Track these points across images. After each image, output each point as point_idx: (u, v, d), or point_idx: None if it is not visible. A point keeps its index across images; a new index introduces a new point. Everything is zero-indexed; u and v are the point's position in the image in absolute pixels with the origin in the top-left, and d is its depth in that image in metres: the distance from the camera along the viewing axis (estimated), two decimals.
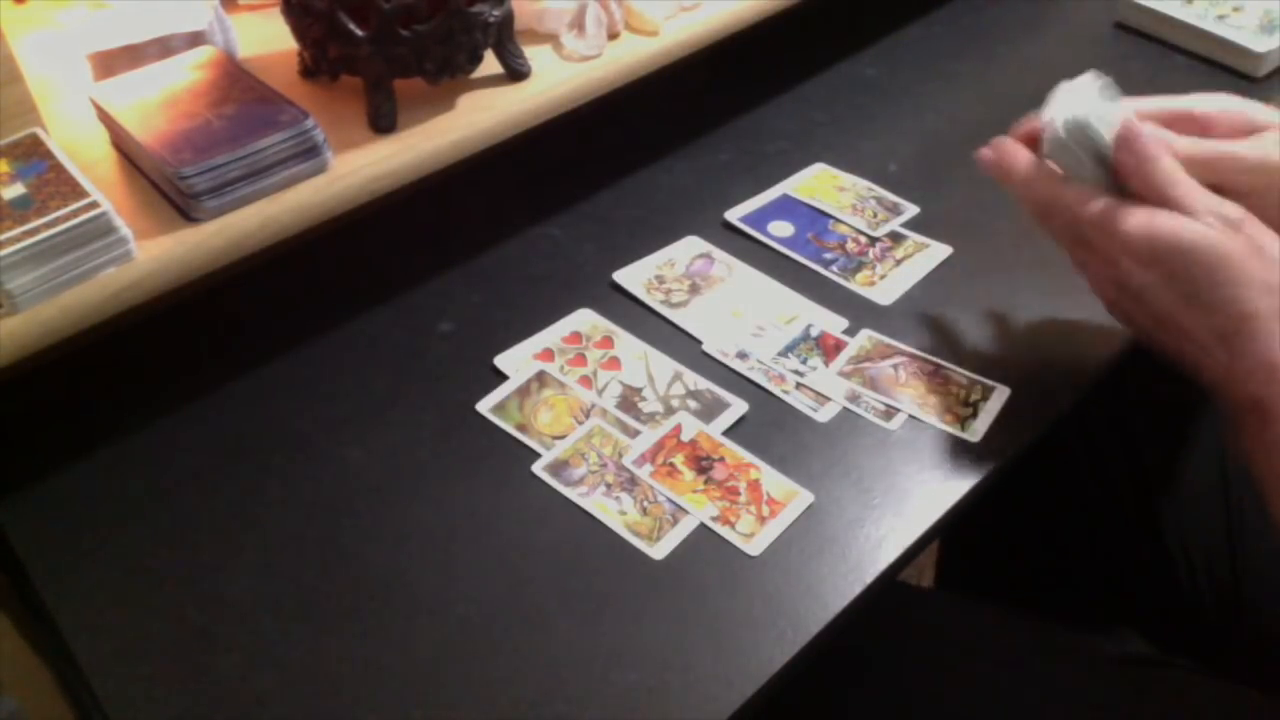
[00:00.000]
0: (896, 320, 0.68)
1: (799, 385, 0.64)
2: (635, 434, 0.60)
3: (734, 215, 0.76)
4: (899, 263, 0.72)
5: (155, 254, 0.56)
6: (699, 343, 0.66)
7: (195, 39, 0.67)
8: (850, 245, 0.74)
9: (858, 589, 0.53)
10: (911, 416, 0.62)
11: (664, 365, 0.65)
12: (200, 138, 0.58)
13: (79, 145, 0.62)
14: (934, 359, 0.65)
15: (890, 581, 0.55)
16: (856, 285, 0.70)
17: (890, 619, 0.65)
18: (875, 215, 0.76)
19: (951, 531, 0.58)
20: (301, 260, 0.68)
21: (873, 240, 0.74)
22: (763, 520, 0.56)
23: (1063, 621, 0.69)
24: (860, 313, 0.68)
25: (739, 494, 0.57)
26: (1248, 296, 0.49)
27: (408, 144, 0.63)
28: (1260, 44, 0.87)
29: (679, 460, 0.59)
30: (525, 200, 0.78)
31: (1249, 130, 0.56)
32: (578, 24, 0.70)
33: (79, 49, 0.66)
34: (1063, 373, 0.64)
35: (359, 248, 0.74)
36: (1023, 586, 0.84)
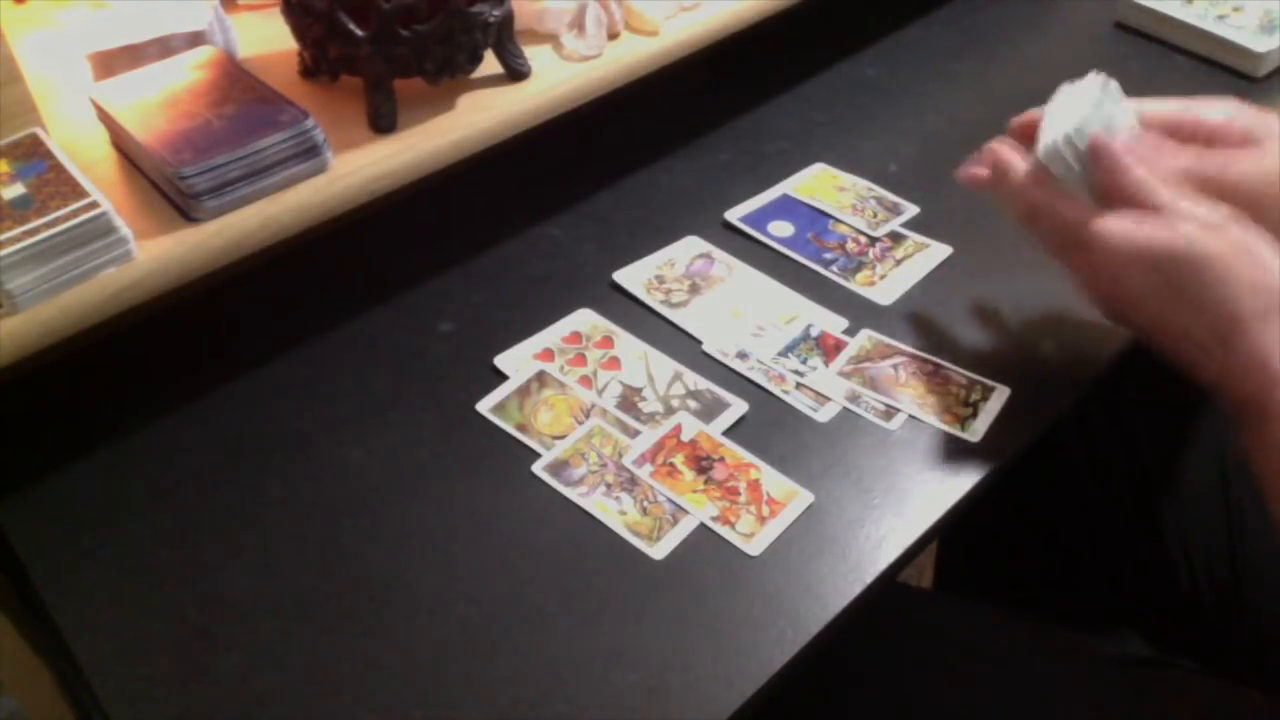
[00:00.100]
0: (896, 320, 0.68)
1: (799, 385, 0.64)
2: (635, 434, 0.60)
3: (734, 215, 0.76)
4: (899, 263, 0.72)
5: (155, 254, 0.56)
6: (699, 343, 0.66)
7: (195, 39, 0.67)
8: (850, 245, 0.74)
9: (858, 589, 0.53)
10: (911, 416, 0.62)
11: (664, 365, 0.65)
12: (200, 138, 0.58)
13: (79, 145, 0.62)
14: (934, 359, 0.65)
15: (890, 581, 0.55)
16: (856, 285, 0.70)
17: (890, 619, 0.65)
18: (875, 215, 0.76)
19: (951, 531, 0.58)
20: (301, 260, 0.68)
21: (873, 240, 0.74)
22: (763, 520, 0.56)
23: (1063, 621, 0.69)
24: (860, 313, 0.68)
25: (739, 494, 0.57)
26: (1236, 297, 0.49)
27: (408, 144, 0.63)
28: (1260, 44, 0.87)
29: (679, 460, 0.59)
30: (525, 200, 0.78)
31: (1255, 141, 0.56)
32: (578, 24, 0.70)
33: (79, 49, 0.66)
34: (1063, 373, 0.64)
35: (359, 248, 0.74)
36: (1022, 587, 0.84)
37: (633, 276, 0.71)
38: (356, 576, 0.55)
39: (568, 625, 0.52)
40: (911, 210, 0.76)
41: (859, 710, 0.63)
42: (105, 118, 0.62)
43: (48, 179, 0.56)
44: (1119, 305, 0.55)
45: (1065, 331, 0.67)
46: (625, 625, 0.52)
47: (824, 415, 0.62)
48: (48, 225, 0.53)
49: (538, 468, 0.59)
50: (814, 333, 0.67)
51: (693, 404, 0.62)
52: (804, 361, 0.65)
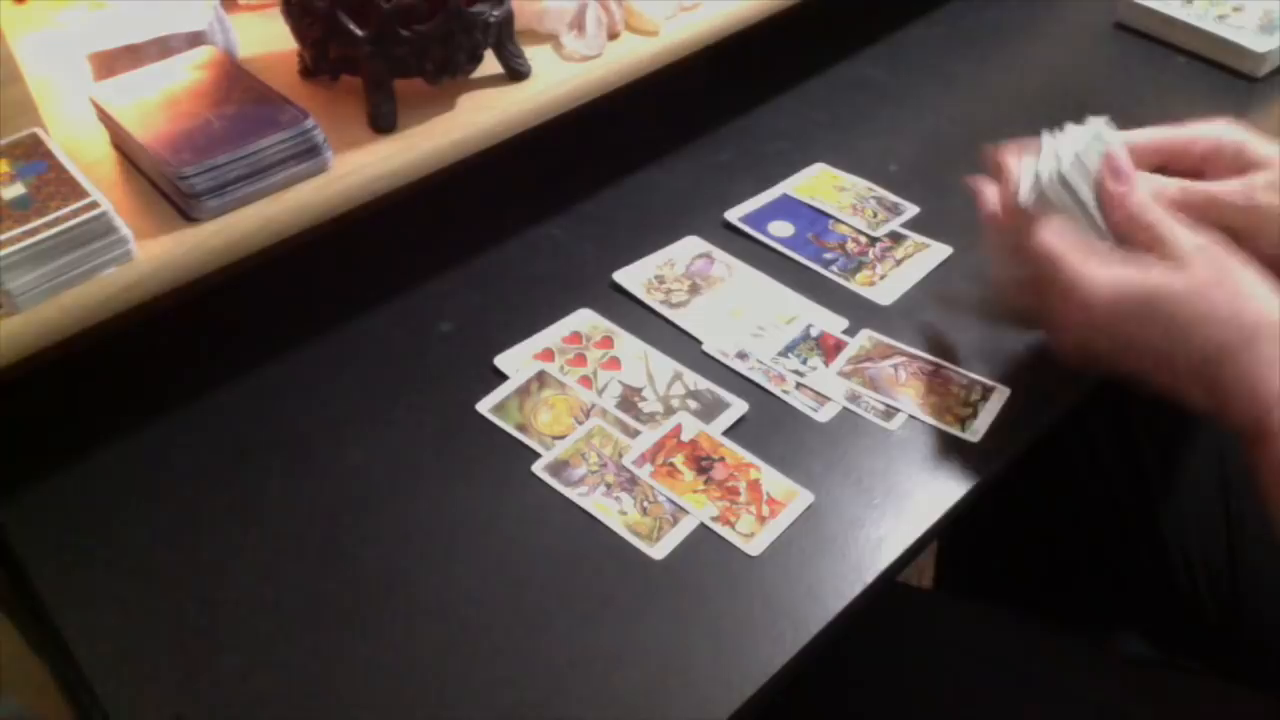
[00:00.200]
0: (896, 320, 0.68)
1: (799, 385, 0.64)
2: (635, 434, 0.60)
3: (734, 215, 0.76)
4: (899, 263, 0.72)
5: (155, 254, 0.56)
6: (699, 343, 0.66)
7: (195, 39, 0.67)
8: (850, 245, 0.74)
9: (857, 589, 0.53)
10: (911, 416, 0.62)
11: (664, 365, 0.65)
12: (200, 138, 0.58)
13: (79, 145, 0.62)
14: (934, 359, 0.65)
15: (890, 581, 0.55)
16: (856, 285, 0.70)
17: (890, 619, 0.65)
18: (875, 215, 0.76)
19: (951, 532, 0.58)
20: (301, 260, 0.68)
21: (873, 240, 0.74)
22: (763, 520, 0.56)
23: (1063, 622, 0.69)
24: (860, 313, 0.68)
25: (739, 494, 0.57)
26: (1218, 330, 0.50)
27: (408, 144, 0.63)
28: (1260, 44, 0.87)
29: (679, 460, 0.59)
30: (525, 200, 0.78)
31: (1244, 166, 0.56)
32: (578, 24, 0.70)
33: (79, 49, 0.66)
34: (1063, 373, 0.64)
35: (359, 248, 0.74)
36: (1022, 587, 0.84)
37: (633, 276, 0.71)
38: (356, 577, 0.55)
39: (568, 625, 0.52)
40: (911, 210, 0.76)
41: (859, 710, 0.63)
42: (105, 118, 0.62)
43: (48, 179, 0.56)
44: (1103, 353, 0.55)
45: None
46: (625, 625, 0.52)
47: (824, 415, 0.62)
48: (48, 225, 0.53)
49: (538, 468, 0.59)
50: (814, 333, 0.67)
51: (693, 404, 0.62)
52: (804, 361, 0.65)
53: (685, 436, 0.60)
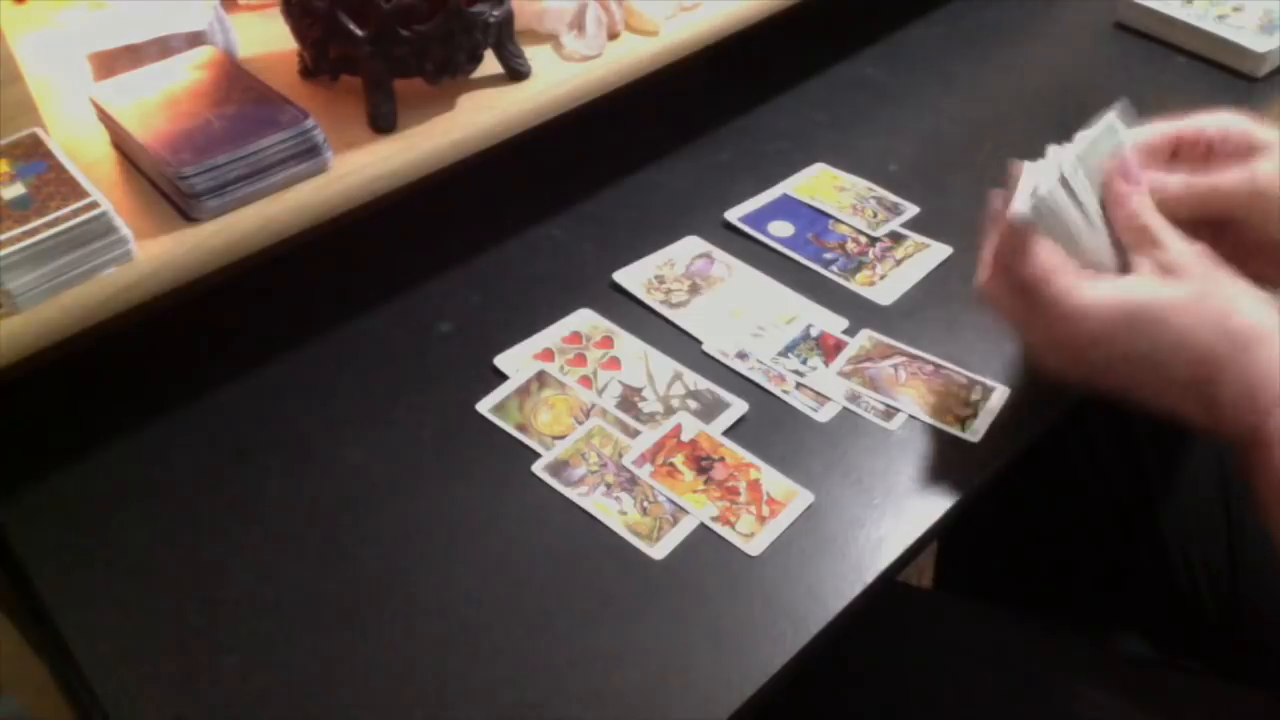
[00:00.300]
0: (896, 320, 0.68)
1: (799, 385, 0.64)
2: (635, 434, 0.60)
3: (734, 215, 0.76)
4: (899, 263, 0.72)
5: (155, 254, 0.56)
6: (699, 343, 0.66)
7: (195, 39, 0.67)
8: (850, 245, 0.74)
9: (858, 589, 0.53)
10: (911, 416, 0.62)
11: (664, 365, 0.65)
12: (200, 138, 0.58)
13: (79, 145, 0.62)
14: (934, 359, 0.65)
15: (890, 582, 0.55)
16: (856, 285, 0.70)
17: (890, 619, 0.65)
18: (875, 215, 0.76)
19: (951, 532, 0.58)
20: (301, 260, 0.68)
21: (873, 240, 0.74)
22: (763, 520, 0.56)
23: (1063, 622, 0.69)
24: (860, 313, 0.68)
25: (739, 494, 0.57)
26: (1209, 341, 0.50)
27: (408, 144, 0.63)
28: (1260, 44, 0.87)
29: (679, 460, 0.59)
30: (525, 200, 0.78)
31: (1250, 152, 0.56)
32: (578, 24, 0.70)
33: (79, 49, 0.66)
34: None
35: (359, 248, 0.74)
36: (1022, 587, 0.84)
37: (633, 276, 0.71)
38: (356, 576, 0.55)
39: (568, 625, 0.52)
40: (911, 210, 0.76)
41: (859, 710, 0.63)
42: (105, 118, 0.62)
43: (48, 179, 0.56)
44: (1099, 370, 0.54)
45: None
46: (625, 625, 0.52)
47: (824, 415, 0.62)
48: (48, 225, 0.53)
49: (538, 468, 0.59)
50: (814, 333, 0.67)
51: (693, 404, 0.62)
52: (804, 361, 0.65)
53: (685, 436, 0.60)
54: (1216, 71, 0.89)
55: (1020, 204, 0.54)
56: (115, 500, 0.58)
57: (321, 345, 0.68)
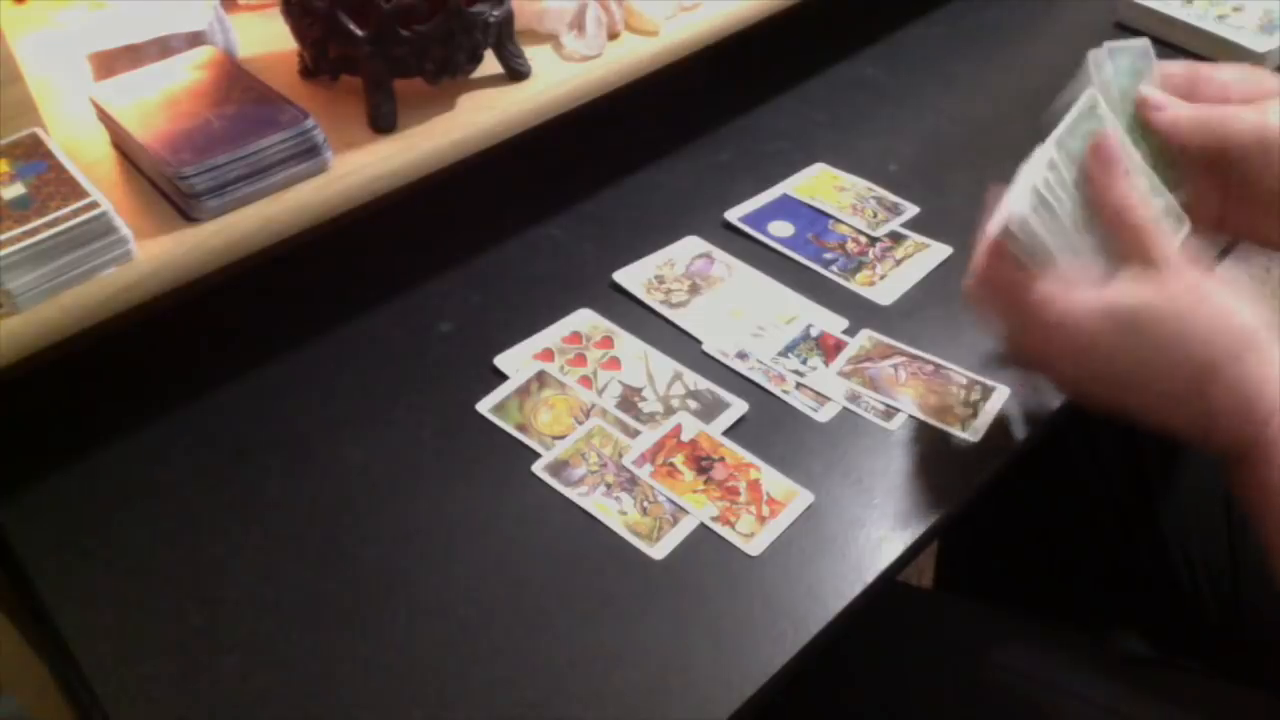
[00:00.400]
0: (896, 320, 0.68)
1: (799, 385, 0.64)
2: (635, 434, 0.60)
3: (734, 215, 0.76)
4: (899, 263, 0.72)
5: (155, 254, 0.56)
6: (699, 343, 0.66)
7: (195, 39, 0.67)
8: (850, 245, 0.74)
9: (858, 589, 0.53)
10: (911, 416, 0.62)
11: (664, 365, 0.65)
12: (200, 138, 0.58)
13: (79, 145, 0.62)
14: (934, 359, 0.65)
15: (890, 581, 0.55)
16: (856, 285, 0.70)
17: (890, 619, 0.65)
18: (875, 215, 0.76)
19: (951, 531, 0.58)
20: (301, 260, 0.68)
21: (873, 240, 0.74)
22: (763, 520, 0.56)
23: (1063, 621, 0.69)
24: (860, 313, 0.68)
25: (739, 494, 0.57)
26: (1204, 343, 0.49)
27: (408, 144, 0.63)
28: (1260, 44, 0.87)
29: (679, 460, 0.59)
30: (525, 200, 0.78)
31: (1263, 95, 0.56)
32: (578, 24, 0.70)
33: (79, 49, 0.66)
34: None
35: (359, 248, 0.74)
36: (1022, 586, 0.84)
37: (633, 276, 0.71)
38: (356, 576, 0.55)
39: (568, 625, 0.52)
40: (911, 210, 0.76)
41: (859, 710, 0.63)
42: (105, 118, 0.62)
43: (48, 179, 0.56)
44: (1088, 379, 0.54)
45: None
46: (625, 625, 0.52)
47: (824, 415, 0.62)
48: (48, 225, 0.53)
49: (538, 468, 0.59)
50: (814, 333, 0.67)
51: (693, 404, 0.62)
52: (804, 361, 0.65)
53: (685, 436, 0.60)
54: None
55: (1000, 219, 0.54)
56: (115, 500, 0.58)
57: (321, 345, 0.68)
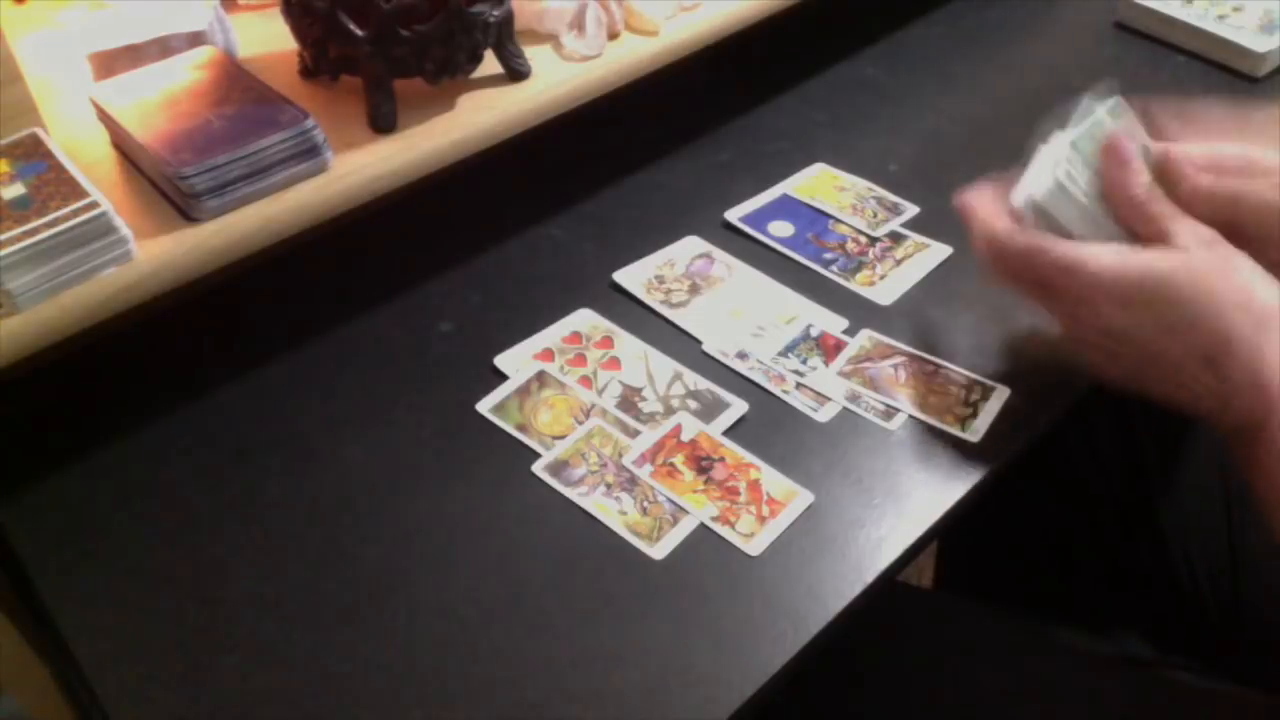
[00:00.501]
0: (896, 320, 0.68)
1: (799, 385, 0.64)
2: (635, 434, 0.60)
3: (734, 215, 0.76)
4: (899, 263, 0.72)
5: (155, 254, 0.56)
6: (699, 343, 0.66)
7: (195, 39, 0.67)
8: (850, 245, 0.74)
9: (858, 589, 0.53)
10: (911, 416, 0.62)
11: (664, 365, 0.65)
12: (200, 138, 0.58)
13: (79, 145, 0.62)
14: (934, 359, 0.65)
15: (890, 581, 0.55)
16: (856, 285, 0.70)
17: (890, 619, 0.65)
18: (875, 215, 0.76)
19: (951, 531, 0.58)
20: (301, 260, 0.68)
21: (873, 240, 0.74)
22: (763, 520, 0.56)
23: (1063, 621, 0.69)
24: (860, 313, 0.68)
25: (739, 494, 0.57)
26: (1223, 316, 0.49)
27: (408, 144, 0.63)
28: (1260, 44, 0.87)
29: (679, 460, 0.59)
30: (525, 200, 0.78)
31: (1251, 173, 0.56)
32: (578, 24, 0.70)
33: (79, 49, 0.66)
34: (1063, 373, 0.64)
35: (359, 248, 0.74)
36: (1022, 586, 0.84)
37: (633, 276, 0.71)
38: (356, 576, 0.55)
39: (568, 625, 0.52)
40: (911, 210, 0.76)
41: (859, 710, 0.63)
42: (105, 118, 0.62)
43: (48, 179, 0.56)
44: (1111, 345, 0.55)
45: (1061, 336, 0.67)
46: (625, 625, 0.52)
47: (824, 415, 0.62)
48: (48, 225, 0.53)
49: (538, 468, 0.59)
50: (814, 333, 0.67)
51: (693, 404, 0.62)
52: (804, 361, 0.65)
53: (685, 436, 0.60)
54: (1216, 71, 0.89)
55: (1021, 194, 0.55)
56: (115, 500, 0.58)
57: (321, 345, 0.68)
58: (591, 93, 0.70)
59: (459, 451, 0.60)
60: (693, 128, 0.85)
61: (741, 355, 0.65)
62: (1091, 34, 0.95)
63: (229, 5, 0.72)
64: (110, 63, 0.65)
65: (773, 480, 0.58)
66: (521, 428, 0.61)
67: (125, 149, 0.62)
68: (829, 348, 0.66)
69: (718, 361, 0.65)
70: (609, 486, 0.58)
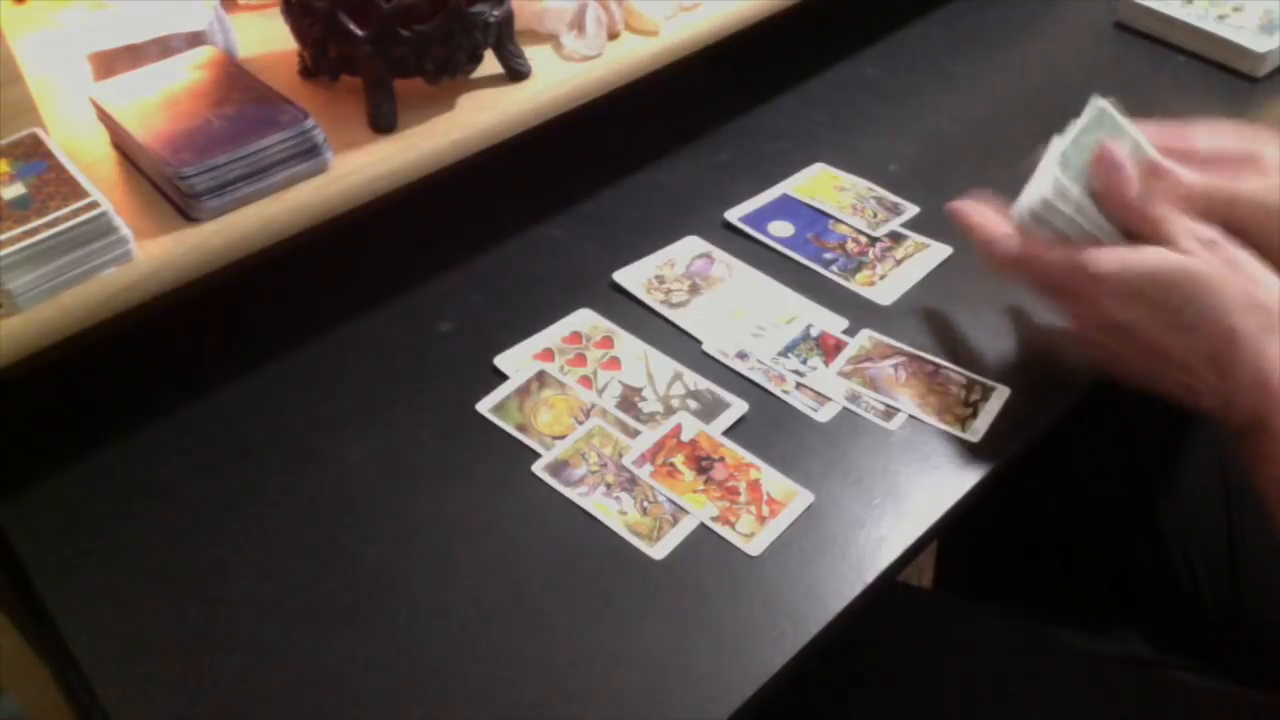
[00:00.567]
0: (896, 320, 0.68)
1: (799, 385, 0.64)
2: (635, 434, 0.60)
3: (734, 215, 0.76)
4: (899, 263, 0.72)
5: (155, 254, 0.56)
6: (699, 343, 0.66)
7: (195, 39, 0.67)
8: (850, 245, 0.74)
9: (858, 589, 0.53)
10: (911, 416, 0.62)
11: (664, 365, 0.65)
12: (200, 138, 0.58)
13: (79, 145, 0.62)
14: (934, 359, 0.65)
15: (890, 581, 0.55)
16: (856, 285, 0.70)
17: (890, 619, 0.65)
18: (875, 215, 0.76)
19: (951, 531, 0.58)
20: (301, 260, 0.68)
21: (873, 240, 0.74)
22: (763, 520, 0.56)
23: (1063, 621, 0.69)
24: (860, 313, 0.68)
25: (739, 494, 0.57)
26: (1230, 315, 0.50)
27: (408, 144, 0.63)
28: (1260, 44, 0.87)
29: (679, 460, 0.59)
30: (525, 200, 0.78)
31: (1250, 160, 0.56)
32: (578, 24, 0.70)
33: (79, 49, 0.66)
34: (1063, 373, 0.64)
35: (359, 248, 0.74)
36: (1022, 586, 0.84)
37: (633, 276, 0.71)
38: (356, 576, 0.55)
39: (568, 625, 0.52)
40: (911, 210, 0.76)
41: (859, 710, 0.63)
42: (105, 118, 0.62)
43: (48, 179, 0.56)
44: (1115, 341, 0.55)
45: (1065, 331, 0.67)
46: (625, 625, 0.52)
47: (824, 415, 0.62)
48: (48, 225, 0.53)
49: (538, 468, 0.59)
50: (814, 333, 0.67)
51: (693, 404, 0.62)
52: (804, 361, 0.65)
53: (685, 436, 0.60)
54: (1216, 71, 0.89)
55: (1018, 211, 0.55)
56: (115, 500, 0.58)
57: (321, 345, 0.68)
58: (591, 93, 0.70)
59: (459, 451, 0.60)
60: (693, 128, 0.85)
61: (741, 355, 0.65)
62: (1091, 34, 0.95)
63: (229, 5, 0.72)
64: (110, 63, 0.65)
65: (773, 480, 0.58)
66: (521, 428, 0.61)
67: (125, 149, 0.62)
68: (829, 348, 0.66)
69: (718, 361, 0.65)
70: (609, 486, 0.58)
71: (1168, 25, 0.92)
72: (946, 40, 0.96)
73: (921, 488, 0.58)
